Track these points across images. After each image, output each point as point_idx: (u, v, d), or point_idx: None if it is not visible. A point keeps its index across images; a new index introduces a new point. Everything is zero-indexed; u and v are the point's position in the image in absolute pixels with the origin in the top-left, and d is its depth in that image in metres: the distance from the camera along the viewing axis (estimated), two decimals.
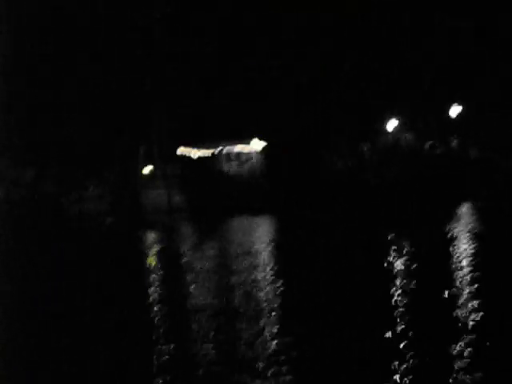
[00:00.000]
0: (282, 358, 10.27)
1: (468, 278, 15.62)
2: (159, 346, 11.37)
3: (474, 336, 10.60)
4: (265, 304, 14.14)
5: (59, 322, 13.65)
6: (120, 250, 28.62)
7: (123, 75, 54.07)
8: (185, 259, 23.61)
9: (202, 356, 10.65)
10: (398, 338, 10.88)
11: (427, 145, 47.37)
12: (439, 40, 51.50)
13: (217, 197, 44.83)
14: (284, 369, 9.72)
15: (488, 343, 10.28)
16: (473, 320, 11.65)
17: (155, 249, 28.02)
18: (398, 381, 8.83)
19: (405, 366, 9.39)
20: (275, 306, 13.99)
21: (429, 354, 9.99)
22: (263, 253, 22.72)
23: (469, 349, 9.92)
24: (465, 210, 36.22)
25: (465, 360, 9.47)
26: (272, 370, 9.66)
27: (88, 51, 54.78)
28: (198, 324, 12.94)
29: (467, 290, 14.14)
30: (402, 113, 50.01)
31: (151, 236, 34.45)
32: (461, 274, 16.22)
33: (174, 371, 9.97)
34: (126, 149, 54.11)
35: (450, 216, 31.94)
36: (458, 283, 15.09)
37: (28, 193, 50.42)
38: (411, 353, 9.91)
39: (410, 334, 11.07)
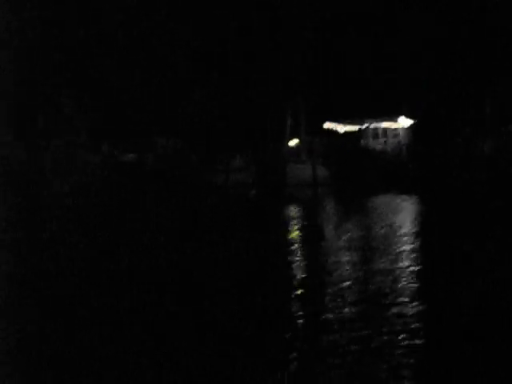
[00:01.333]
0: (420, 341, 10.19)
1: None
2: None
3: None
4: (405, 291, 13.97)
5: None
6: (262, 222, 28.90)
7: (272, 51, 54.54)
8: (327, 235, 23.65)
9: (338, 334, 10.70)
10: None
11: None
12: None
13: (362, 173, 44.50)
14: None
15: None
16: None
17: (298, 223, 28.10)
18: None
19: None
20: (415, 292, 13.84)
21: None
22: (407, 235, 22.34)
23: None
24: None
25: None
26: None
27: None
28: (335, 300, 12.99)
29: None
30: None
31: (294, 210, 34.58)
32: None
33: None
34: (272, 121, 54.66)
35: None
36: None
37: (171, 161, 52.00)
38: None
39: None
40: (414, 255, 17.85)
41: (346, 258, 17.86)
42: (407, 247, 19.06)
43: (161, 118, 55.83)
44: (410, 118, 48.66)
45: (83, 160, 50.31)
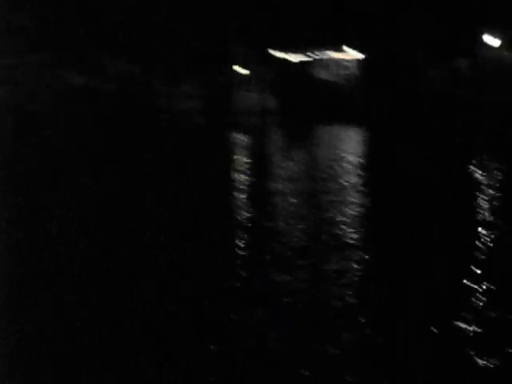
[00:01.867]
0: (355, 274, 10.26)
1: None
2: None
3: None
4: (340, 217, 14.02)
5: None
6: (208, 149, 28.66)
7: None
8: (271, 163, 23.57)
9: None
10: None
11: None
12: None
13: (310, 103, 44.37)
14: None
15: None
16: None
17: (244, 150, 27.96)
18: None
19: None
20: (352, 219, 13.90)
21: None
22: (348, 163, 22.40)
23: None
24: None
25: None
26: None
27: None
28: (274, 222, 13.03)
29: None
30: (505, 29, 47.72)
31: (241, 137, 34.36)
32: None
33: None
34: (218, 49, 53.89)
35: None
36: None
37: (123, 85, 51.15)
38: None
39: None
40: (356, 189, 17.85)
41: (289, 188, 17.79)
42: (351, 180, 19.06)
43: (112, 40, 54.54)
44: (356, 49, 48.22)
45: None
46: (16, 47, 52.13)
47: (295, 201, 15.81)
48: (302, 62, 49.24)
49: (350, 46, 48.19)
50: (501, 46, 46.46)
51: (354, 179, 18.94)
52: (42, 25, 53.69)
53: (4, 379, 8.69)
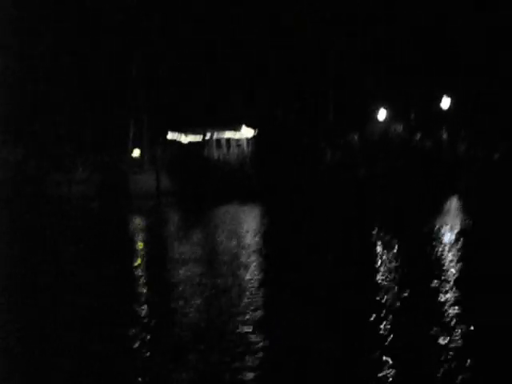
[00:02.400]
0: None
1: (452, 272, 15.58)
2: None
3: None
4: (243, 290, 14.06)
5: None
6: (105, 234, 28.39)
7: (113, 61, 53.95)
8: (170, 245, 23.54)
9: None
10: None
11: (417, 136, 47.21)
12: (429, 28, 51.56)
13: (205, 183, 44.70)
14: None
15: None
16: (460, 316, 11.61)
17: (141, 234, 27.88)
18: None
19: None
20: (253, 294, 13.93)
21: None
22: (247, 240, 22.64)
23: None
24: (452, 204, 36.26)
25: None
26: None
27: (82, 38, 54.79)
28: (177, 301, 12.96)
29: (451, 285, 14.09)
30: (392, 102, 49.84)
31: (138, 221, 34.22)
32: (444, 268, 16.18)
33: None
34: (114, 132, 54.02)
35: (438, 210, 31.99)
36: (442, 277, 15.01)
37: (15, 173, 50.47)
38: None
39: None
40: (256, 266, 17.98)
41: (187, 270, 17.74)
42: (248, 258, 19.18)
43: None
44: (252, 127, 49.17)
45: None
46: None
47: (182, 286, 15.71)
48: (195, 143, 49.68)
49: (245, 124, 49.06)
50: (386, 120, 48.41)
51: (247, 259, 19.02)
52: None
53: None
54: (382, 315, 11.92)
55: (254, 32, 53.33)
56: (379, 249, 20.37)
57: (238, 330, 11.21)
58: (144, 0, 54.37)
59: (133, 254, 22.19)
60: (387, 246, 20.49)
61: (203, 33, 53.57)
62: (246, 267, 17.36)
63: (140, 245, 24.72)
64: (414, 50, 51.43)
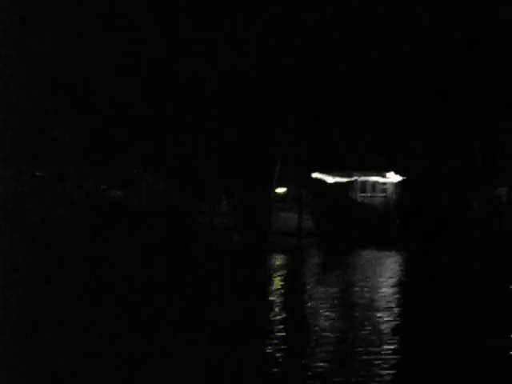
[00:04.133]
0: None
1: None
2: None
3: None
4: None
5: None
6: (244, 270, 28.60)
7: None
8: (308, 286, 23.45)
9: None
10: None
11: None
12: None
13: (347, 225, 44.22)
14: None
15: None
16: None
17: (280, 272, 27.93)
18: None
19: None
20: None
21: None
22: (385, 289, 22.21)
23: None
24: None
25: None
26: None
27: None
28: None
29: None
30: None
31: (277, 258, 34.35)
32: None
33: None
34: (261, 167, 54.71)
35: None
36: None
37: (160, 200, 52.46)
38: None
39: None
40: (391, 312, 17.58)
41: (325, 311, 17.57)
42: (383, 304, 18.80)
43: (148, 158, 56.12)
44: (400, 174, 48.45)
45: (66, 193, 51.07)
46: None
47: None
48: (340, 184, 49.39)
49: (392, 170, 48.46)
50: None
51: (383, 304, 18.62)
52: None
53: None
54: None
55: None
56: None
57: None
58: None
59: (270, 290, 22.24)
60: None
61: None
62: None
63: (277, 282, 24.76)
64: None
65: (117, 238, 40.59)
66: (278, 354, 12.86)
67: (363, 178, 48.77)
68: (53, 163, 55.14)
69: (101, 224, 46.23)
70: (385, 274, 27.42)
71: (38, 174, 55.64)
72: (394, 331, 15.35)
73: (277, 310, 18.41)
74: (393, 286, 23.31)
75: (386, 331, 15.36)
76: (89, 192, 53.45)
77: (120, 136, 56.10)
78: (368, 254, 36.11)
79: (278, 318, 16.79)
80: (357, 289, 22.49)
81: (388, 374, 11.70)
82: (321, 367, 11.96)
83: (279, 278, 26.07)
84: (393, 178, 48.59)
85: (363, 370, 11.90)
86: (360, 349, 13.45)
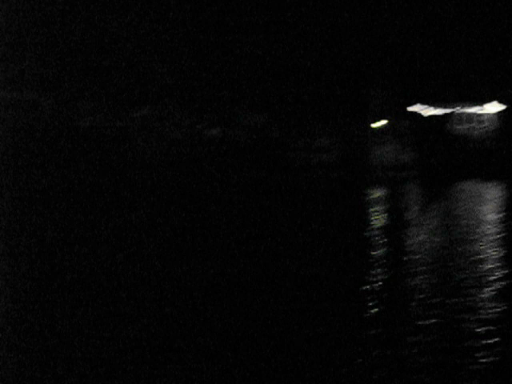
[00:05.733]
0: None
1: None
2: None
3: None
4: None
5: None
6: (344, 205, 28.93)
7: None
8: (410, 220, 23.62)
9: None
10: None
11: None
12: None
13: (447, 157, 43.95)
14: None
15: None
16: None
17: (381, 206, 28.05)
18: None
19: None
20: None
21: None
22: (490, 223, 22.18)
23: None
24: None
25: None
26: None
27: None
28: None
29: None
30: None
31: (377, 192, 34.37)
32: None
33: None
34: (356, 101, 54.30)
35: None
36: None
37: (257, 136, 52.28)
38: None
39: None
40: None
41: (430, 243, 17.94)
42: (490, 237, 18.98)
43: (247, 93, 55.93)
44: (502, 103, 47.34)
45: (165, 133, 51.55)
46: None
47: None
48: (436, 116, 48.85)
49: (491, 99, 47.44)
50: None
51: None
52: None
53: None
54: None
55: None
56: None
57: None
58: None
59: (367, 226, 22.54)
60: None
61: None
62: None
63: (375, 217, 24.90)
64: None
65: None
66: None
67: (460, 110, 48.12)
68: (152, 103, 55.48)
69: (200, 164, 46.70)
70: (489, 207, 27.26)
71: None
72: None
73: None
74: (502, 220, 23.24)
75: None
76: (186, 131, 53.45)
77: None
78: (470, 186, 35.82)
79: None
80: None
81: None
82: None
83: (383, 213, 26.22)
84: (491, 108, 47.72)
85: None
86: None
